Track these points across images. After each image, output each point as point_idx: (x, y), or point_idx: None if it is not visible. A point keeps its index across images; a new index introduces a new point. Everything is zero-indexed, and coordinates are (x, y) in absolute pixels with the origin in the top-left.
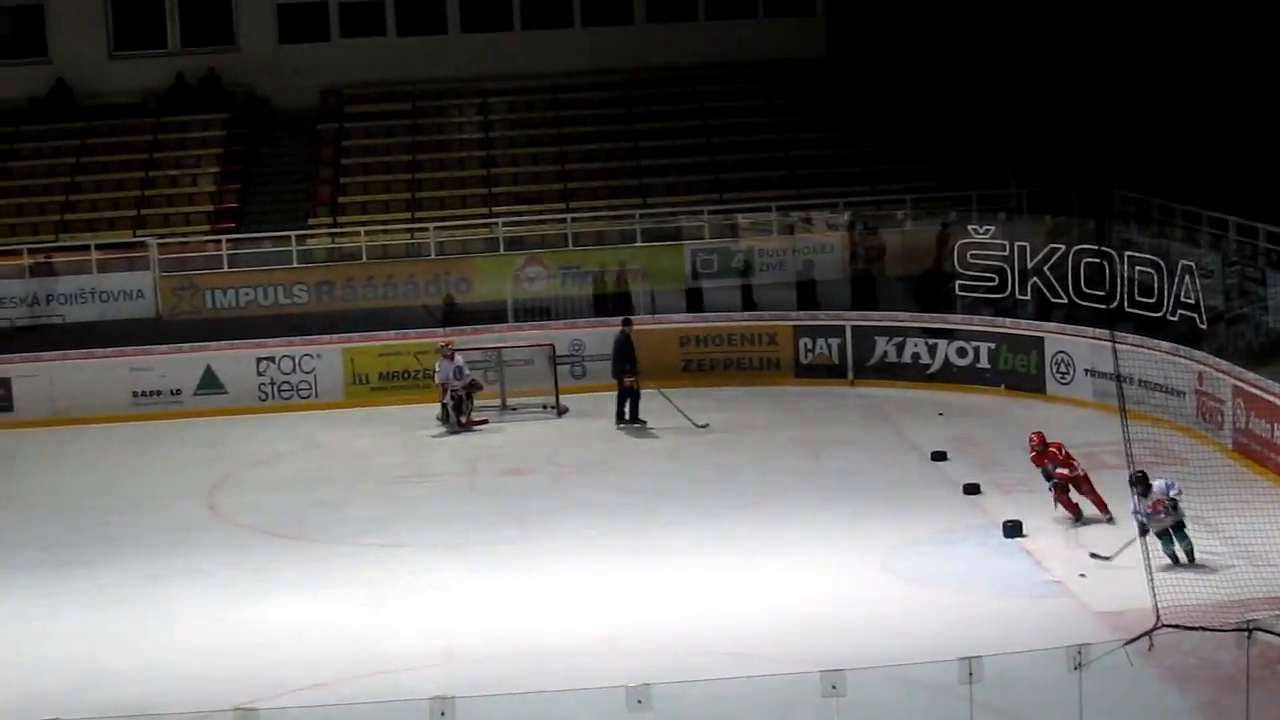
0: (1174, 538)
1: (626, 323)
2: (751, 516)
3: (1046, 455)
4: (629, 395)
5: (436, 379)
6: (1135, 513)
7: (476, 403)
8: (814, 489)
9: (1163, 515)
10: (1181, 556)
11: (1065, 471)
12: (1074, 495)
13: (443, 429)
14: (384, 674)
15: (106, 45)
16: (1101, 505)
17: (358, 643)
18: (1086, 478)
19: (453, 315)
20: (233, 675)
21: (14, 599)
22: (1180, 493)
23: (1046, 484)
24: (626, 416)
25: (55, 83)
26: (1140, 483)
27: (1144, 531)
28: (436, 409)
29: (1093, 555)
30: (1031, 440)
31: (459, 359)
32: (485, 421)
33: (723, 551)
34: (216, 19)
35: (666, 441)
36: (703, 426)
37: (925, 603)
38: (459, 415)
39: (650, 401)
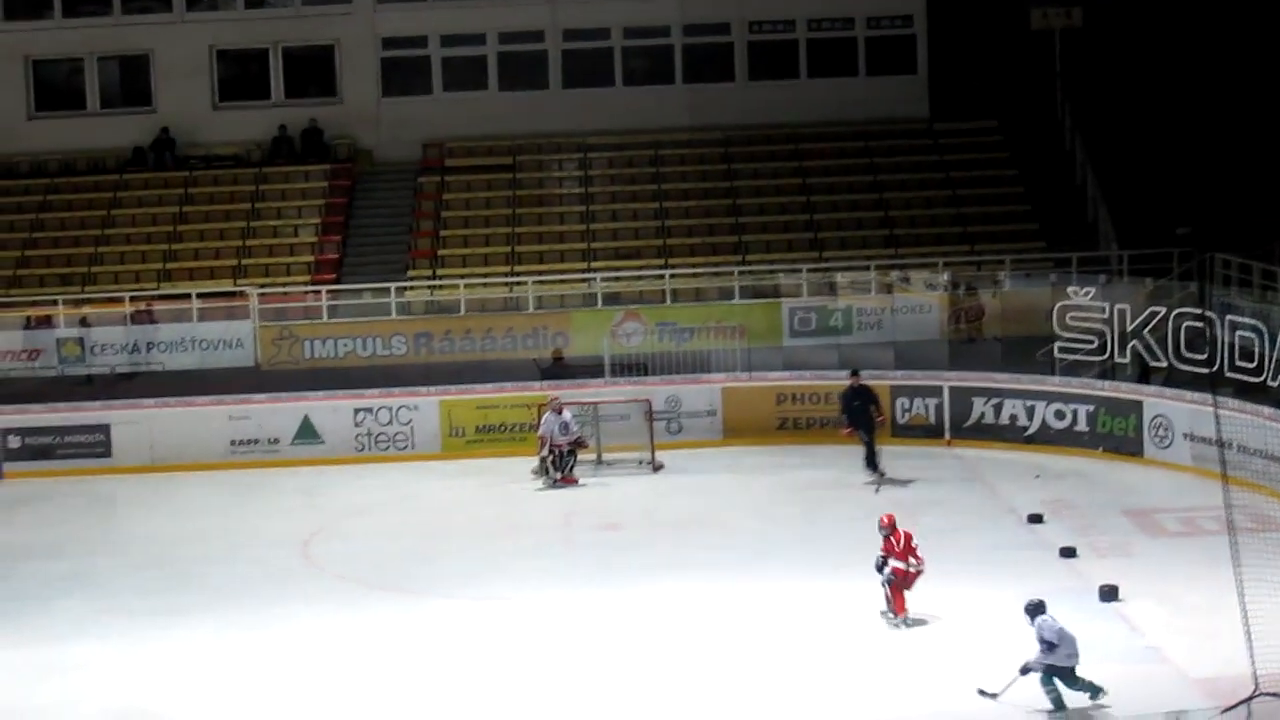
0: (1060, 681)
1: (855, 373)
2: (847, 576)
3: (887, 543)
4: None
5: (540, 431)
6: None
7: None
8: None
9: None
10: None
11: (901, 567)
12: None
13: (539, 483)
14: None
15: (211, 96)
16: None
17: (452, 696)
18: (919, 575)
19: (556, 370)
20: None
21: (109, 643)
22: (1056, 642)
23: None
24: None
25: (160, 132)
26: (1033, 612)
27: (1024, 670)
28: (534, 462)
29: (980, 692)
30: (882, 522)
31: (567, 414)
32: (579, 483)
33: (819, 611)
34: (319, 72)
35: (760, 499)
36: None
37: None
38: (559, 470)
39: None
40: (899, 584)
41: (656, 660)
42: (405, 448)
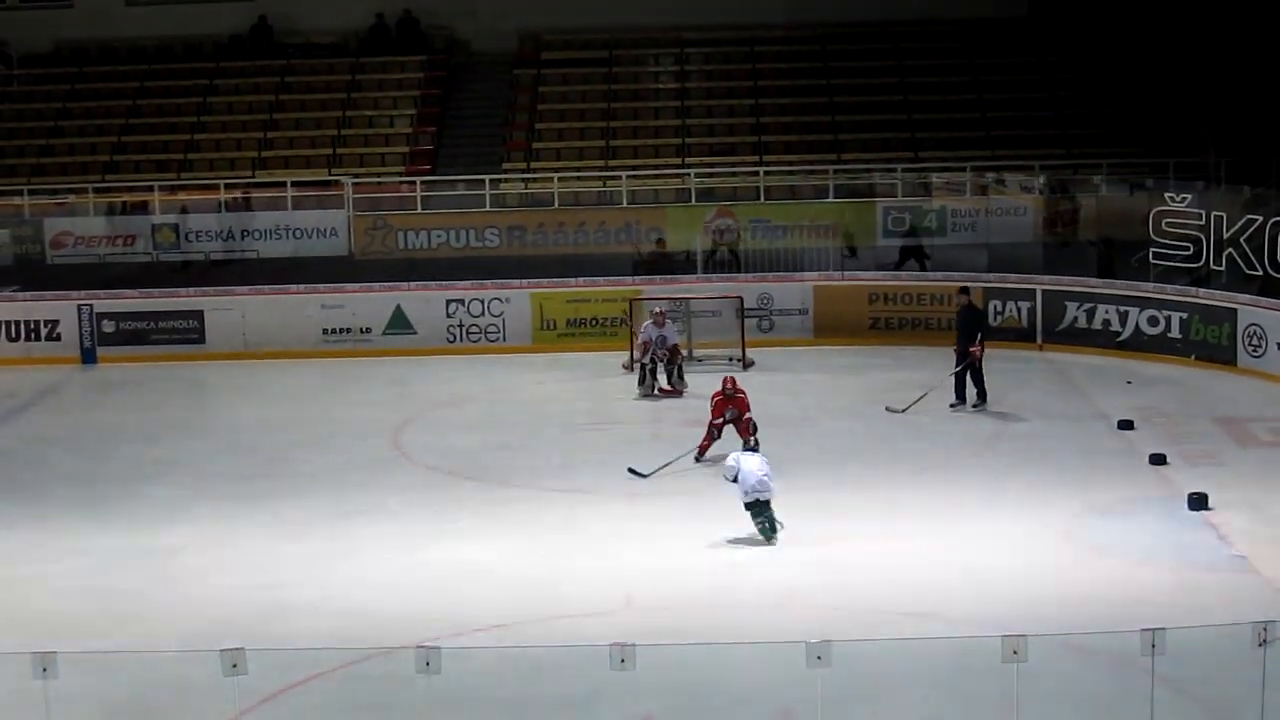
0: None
1: (965, 291)
2: (935, 479)
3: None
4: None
5: (640, 338)
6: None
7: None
8: (999, 453)
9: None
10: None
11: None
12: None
13: (636, 392)
14: (563, 619)
15: None
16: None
17: (537, 586)
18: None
19: (649, 264)
20: (416, 613)
21: (202, 528)
22: (730, 479)
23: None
24: (974, 397)
25: (257, 20)
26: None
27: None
28: (623, 357)
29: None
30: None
31: (669, 328)
32: (678, 393)
33: (905, 513)
34: None
35: (851, 400)
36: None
37: (1106, 573)
38: (655, 380)
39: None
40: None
41: (746, 556)
42: (496, 340)
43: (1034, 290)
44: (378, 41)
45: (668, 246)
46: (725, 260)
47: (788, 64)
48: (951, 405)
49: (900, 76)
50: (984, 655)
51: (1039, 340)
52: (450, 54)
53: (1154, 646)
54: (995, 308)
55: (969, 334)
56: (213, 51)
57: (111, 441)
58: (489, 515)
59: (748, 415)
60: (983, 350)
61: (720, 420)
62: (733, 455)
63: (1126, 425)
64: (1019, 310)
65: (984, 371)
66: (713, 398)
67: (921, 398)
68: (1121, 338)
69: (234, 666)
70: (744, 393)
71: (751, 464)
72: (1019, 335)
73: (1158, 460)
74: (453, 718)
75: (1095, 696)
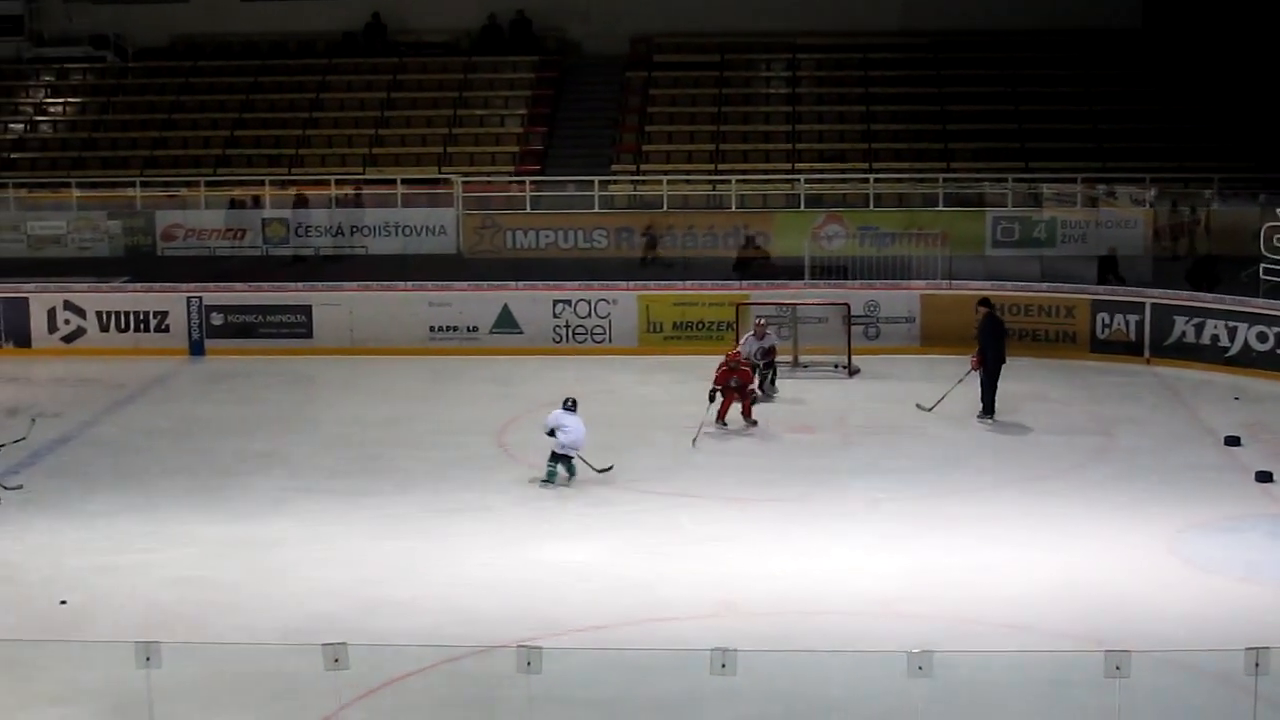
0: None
1: (986, 303)
2: (1039, 489)
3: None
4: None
5: (739, 348)
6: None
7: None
8: (1104, 466)
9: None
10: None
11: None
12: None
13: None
14: (664, 621)
15: None
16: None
17: (638, 589)
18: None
19: (753, 267)
20: (515, 612)
21: (304, 522)
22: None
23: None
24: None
25: (371, 18)
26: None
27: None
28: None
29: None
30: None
31: (770, 339)
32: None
33: (1008, 523)
34: None
35: (957, 409)
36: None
37: (1211, 589)
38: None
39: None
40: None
41: (847, 563)
42: (602, 341)
43: (1143, 304)
44: (490, 41)
45: (766, 250)
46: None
47: (899, 71)
48: (978, 417)
49: (1012, 86)
50: (1085, 670)
51: (1146, 354)
52: (562, 55)
53: (1258, 665)
54: (1103, 320)
55: (994, 345)
56: (326, 49)
57: (217, 434)
58: (590, 516)
59: (751, 387)
60: (987, 362)
61: (720, 387)
62: (556, 413)
63: (1233, 441)
64: (1127, 323)
65: (997, 385)
66: (718, 366)
67: (947, 393)
68: (1230, 353)
69: (335, 661)
70: (750, 366)
71: (573, 422)
72: (1127, 348)
73: (1264, 477)
74: (551, 718)
75: (1197, 714)
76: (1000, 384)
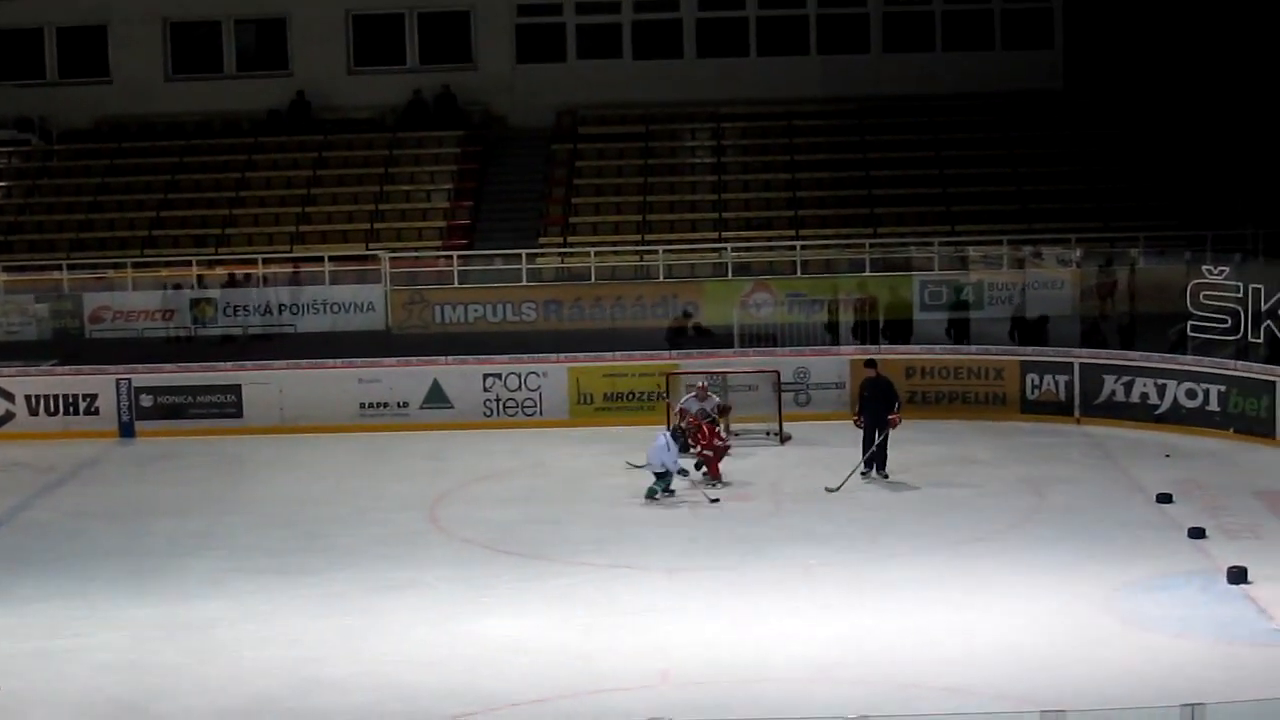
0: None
1: (872, 364)
2: (971, 552)
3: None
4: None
5: (678, 405)
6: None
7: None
8: (1036, 526)
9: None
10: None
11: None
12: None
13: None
14: (601, 693)
15: (346, 61)
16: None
17: (575, 661)
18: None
19: (683, 337)
20: (452, 687)
21: (240, 602)
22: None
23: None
24: (876, 467)
25: (296, 96)
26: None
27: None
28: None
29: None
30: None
31: (711, 403)
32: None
33: (943, 586)
34: (454, 38)
35: (891, 471)
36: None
37: (1147, 646)
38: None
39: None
40: (716, 460)
41: (782, 630)
42: (533, 414)
43: (1071, 364)
44: (415, 117)
45: (700, 320)
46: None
47: (824, 138)
48: (863, 474)
49: (936, 150)
50: None
51: (1076, 414)
52: (487, 129)
53: None
54: (1033, 380)
55: (886, 404)
56: (251, 127)
57: (150, 515)
58: (525, 589)
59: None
60: (898, 420)
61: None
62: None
63: (1165, 499)
64: (1056, 383)
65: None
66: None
67: (851, 474)
68: (1160, 410)
69: None
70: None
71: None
72: (1057, 409)
73: (1196, 534)
74: None
75: None
76: (936, 447)
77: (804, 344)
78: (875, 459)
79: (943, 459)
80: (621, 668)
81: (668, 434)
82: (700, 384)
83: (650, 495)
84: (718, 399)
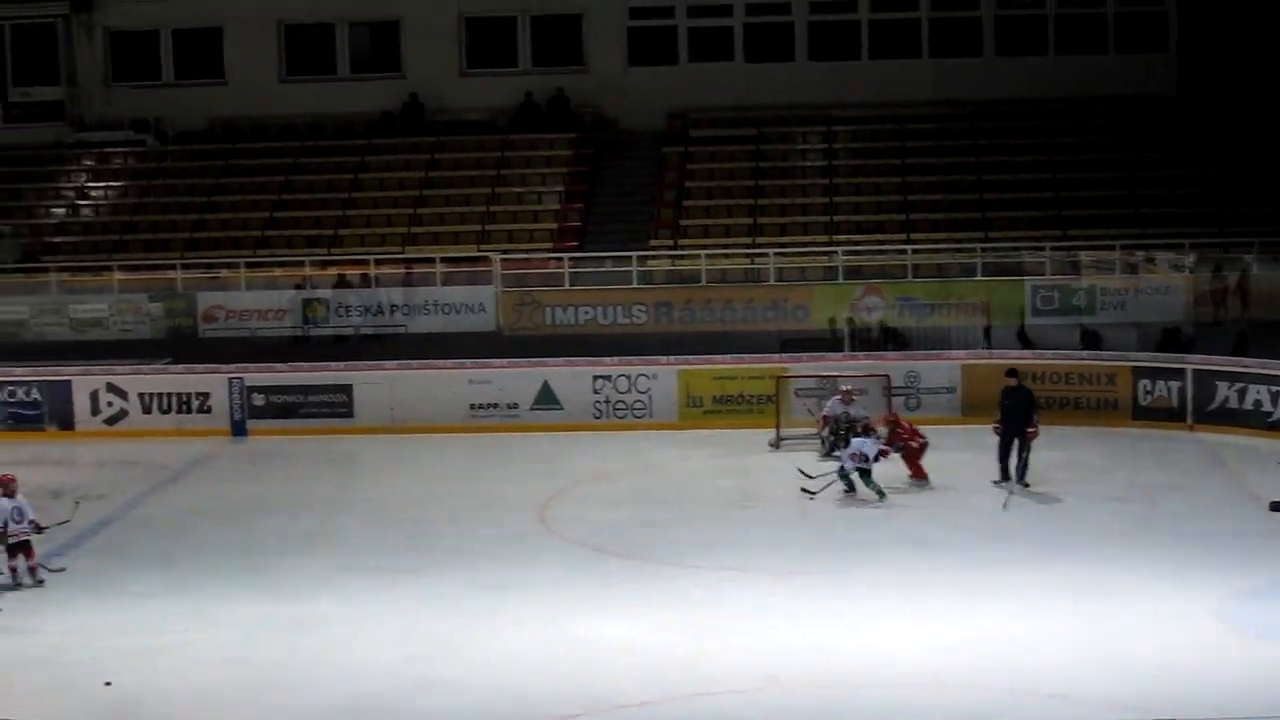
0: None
1: (1013, 373)
2: (1082, 558)
3: (895, 434)
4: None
5: (824, 411)
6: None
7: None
8: (1148, 533)
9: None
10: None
11: (914, 445)
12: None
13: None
14: (707, 696)
15: (459, 63)
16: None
17: (683, 663)
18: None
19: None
20: (559, 689)
21: (348, 601)
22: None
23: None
24: (1016, 476)
25: (409, 98)
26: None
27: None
28: (771, 434)
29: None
30: (887, 419)
31: (856, 407)
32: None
33: (1051, 592)
34: (567, 40)
35: (998, 479)
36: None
37: (1258, 655)
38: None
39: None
40: (915, 455)
41: (890, 635)
42: (643, 416)
43: (1184, 370)
44: (527, 119)
45: (814, 324)
46: (878, 338)
47: (936, 141)
48: (995, 483)
49: (1049, 154)
50: None
51: (1189, 420)
52: (599, 132)
53: None
54: (1145, 387)
55: (1025, 415)
56: (364, 129)
57: (260, 514)
58: (634, 592)
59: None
60: (1037, 431)
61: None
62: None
63: (1278, 507)
64: (1169, 389)
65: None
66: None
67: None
68: (1273, 418)
69: None
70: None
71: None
72: (1169, 415)
73: None
74: None
75: None
76: (1046, 452)
77: (914, 348)
78: (1017, 469)
79: (1054, 464)
80: (729, 671)
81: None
82: (845, 387)
83: (849, 486)
84: (860, 407)
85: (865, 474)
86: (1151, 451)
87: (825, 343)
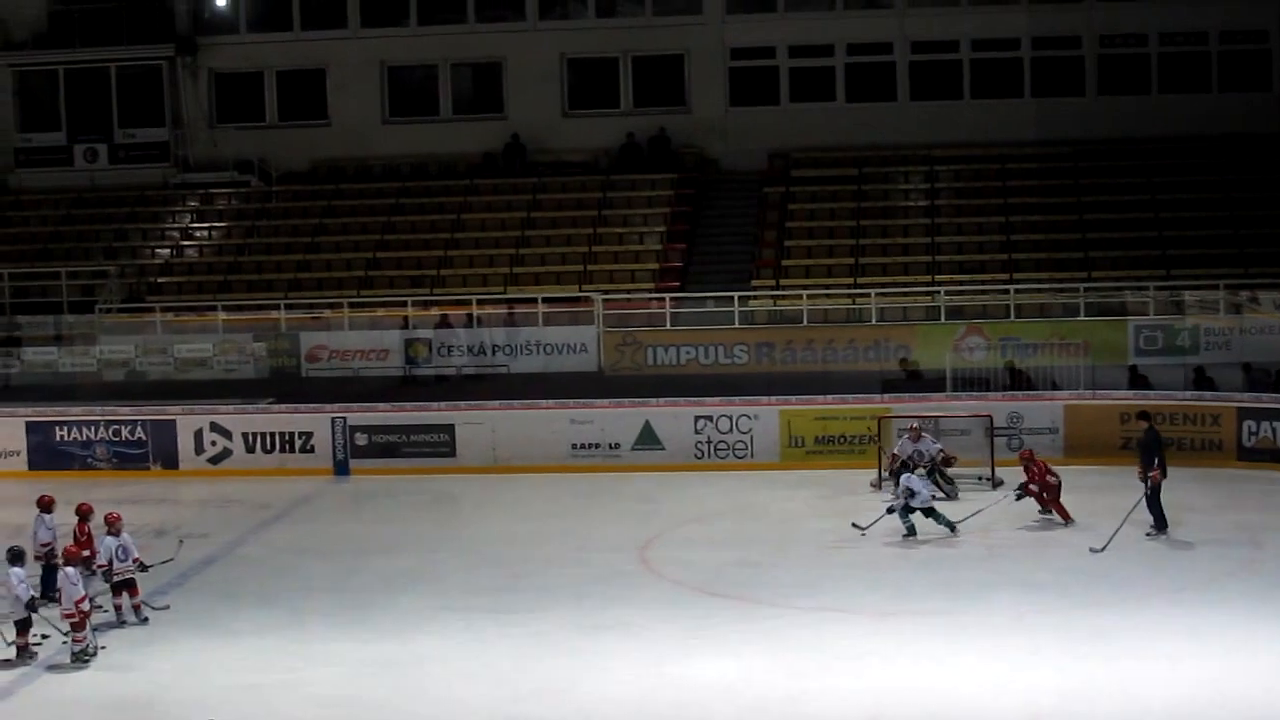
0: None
1: (1146, 416)
2: (1187, 601)
3: (1030, 472)
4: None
5: (894, 449)
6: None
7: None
8: (1252, 575)
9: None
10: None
11: (1052, 480)
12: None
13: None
14: None
15: (561, 104)
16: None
17: (784, 704)
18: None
19: (897, 383)
20: None
21: (449, 640)
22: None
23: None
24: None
25: (510, 139)
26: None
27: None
28: (873, 475)
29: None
30: (1022, 455)
31: (925, 442)
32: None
33: (1154, 635)
34: (668, 81)
35: (1101, 521)
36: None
37: None
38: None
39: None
40: (1054, 497)
41: (992, 677)
42: (744, 456)
43: None
44: (629, 160)
45: (913, 365)
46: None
47: (1038, 181)
48: (1148, 534)
49: (1151, 193)
50: None
51: None
52: (700, 172)
53: None
54: (1249, 428)
55: (1148, 458)
56: (466, 170)
57: (362, 552)
58: (734, 632)
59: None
60: (1163, 474)
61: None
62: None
63: None
64: (1274, 431)
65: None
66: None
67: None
68: None
69: None
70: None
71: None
72: (1274, 456)
73: None
74: None
75: None
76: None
77: (1017, 388)
78: (1154, 521)
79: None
80: (830, 711)
81: (909, 476)
82: (913, 425)
83: (910, 529)
84: (932, 440)
85: (927, 511)
86: (1256, 493)
87: (929, 383)
